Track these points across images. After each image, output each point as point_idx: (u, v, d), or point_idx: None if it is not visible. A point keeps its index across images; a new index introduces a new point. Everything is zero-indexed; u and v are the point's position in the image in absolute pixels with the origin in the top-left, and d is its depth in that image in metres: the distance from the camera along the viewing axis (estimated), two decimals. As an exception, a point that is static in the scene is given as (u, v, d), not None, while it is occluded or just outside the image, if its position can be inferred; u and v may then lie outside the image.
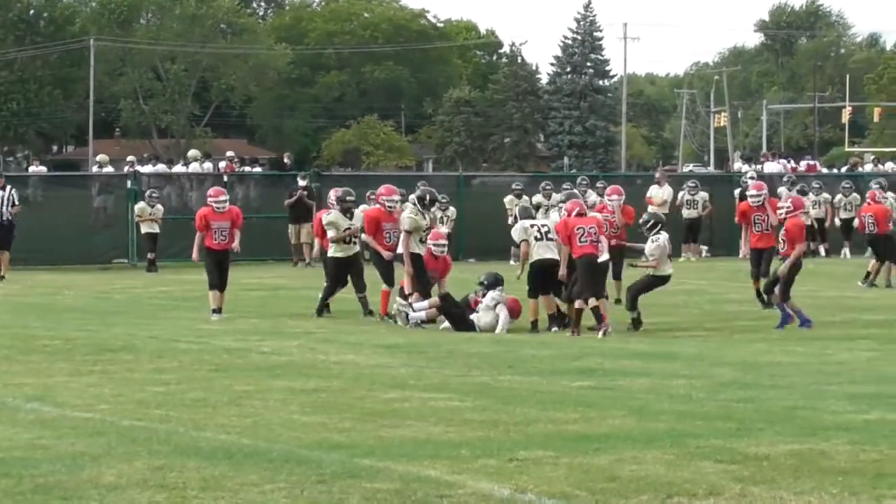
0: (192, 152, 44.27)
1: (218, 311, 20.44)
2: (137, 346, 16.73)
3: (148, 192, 33.53)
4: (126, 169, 39.04)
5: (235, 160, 42.38)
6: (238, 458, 9.57)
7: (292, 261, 34.20)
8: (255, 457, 9.62)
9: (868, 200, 27.82)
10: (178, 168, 41.00)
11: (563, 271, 18.75)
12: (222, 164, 41.02)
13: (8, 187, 30.20)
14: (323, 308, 21.29)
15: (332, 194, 22.05)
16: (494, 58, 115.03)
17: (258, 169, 42.82)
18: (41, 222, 34.74)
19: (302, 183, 35.16)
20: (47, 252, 33.57)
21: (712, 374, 14.04)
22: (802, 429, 10.66)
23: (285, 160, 44.01)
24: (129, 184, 35.38)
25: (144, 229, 32.86)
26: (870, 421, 11.07)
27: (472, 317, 19.34)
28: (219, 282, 20.51)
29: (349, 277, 21.25)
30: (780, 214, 20.14)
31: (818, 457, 9.59)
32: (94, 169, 43.26)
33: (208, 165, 41.52)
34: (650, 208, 34.67)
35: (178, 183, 37.47)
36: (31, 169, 48.99)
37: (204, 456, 9.66)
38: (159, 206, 33.19)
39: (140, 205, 33.10)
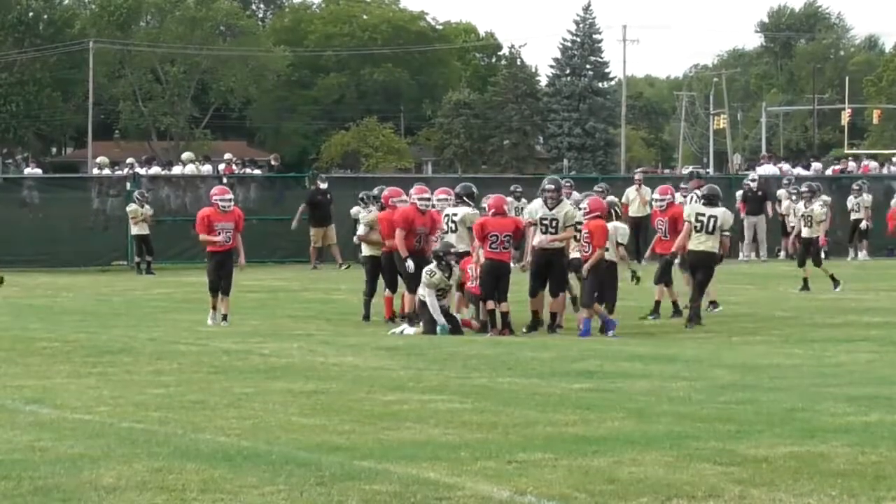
0: (187, 154, 44.19)
1: (216, 314, 20.12)
2: (137, 348, 16.73)
3: (137, 193, 33.54)
4: (126, 171, 39.09)
5: (236, 161, 42.37)
6: (237, 461, 9.57)
7: (311, 264, 34.10)
8: (255, 459, 9.62)
9: None
10: (177, 170, 41.01)
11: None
12: (221, 167, 41.04)
13: None
14: (369, 314, 20.81)
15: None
16: (494, 60, 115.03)
17: (257, 171, 42.81)
18: (41, 224, 34.80)
19: (323, 186, 35.18)
20: (47, 254, 33.62)
21: (712, 376, 14.04)
22: (802, 431, 10.66)
23: (272, 162, 43.91)
24: (128, 186, 35.41)
25: (134, 231, 32.86)
26: (869, 423, 11.07)
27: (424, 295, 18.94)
28: (221, 285, 20.09)
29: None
30: (577, 216, 19.38)
31: (817, 459, 9.59)
32: (94, 171, 43.29)
33: (208, 168, 41.54)
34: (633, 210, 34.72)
35: (178, 185, 37.50)
36: (27, 171, 49.01)
37: (203, 458, 9.66)
38: (148, 206, 33.19)
39: (131, 206, 33.10)
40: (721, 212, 20.32)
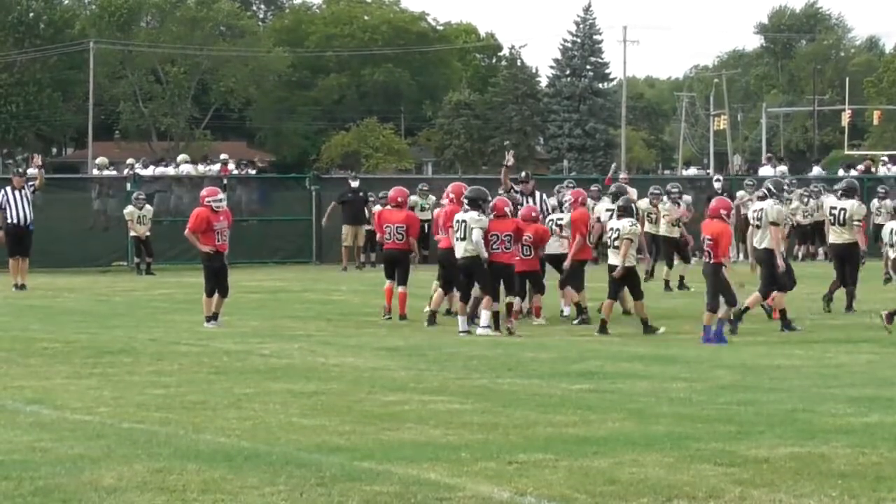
0: (182, 157, 44.19)
1: (212, 318, 19.66)
2: (137, 348, 16.74)
3: (135, 195, 33.51)
4: (126, 171, 39.09)
5: (234, 161, 42.43)
6: (238, 461, 9.57)
7: (343, 265, 33.86)
8: (255, 459, 9.62)
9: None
10: (172, 170, 41.05)
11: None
12: (217, 167, 41.08)
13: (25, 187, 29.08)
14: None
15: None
16: (494, 61, 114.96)
17: (252, 172, 42.85)
18: (41, 225, 34.75)
19: (354, 184, 35.08)
20: (47, 255, 33.55)
21: (712, 377, 14.05)
22: (802, 432, 10.67)
23: (258, 164, 44.02)
24: (128, 186, 35.40)
25: (133, 233, 32.82)
26: (869, 424, 11.08)
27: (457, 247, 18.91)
28: (221, 287, 19.86)
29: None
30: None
31: (818, 460, 9.59)
32: (94, 172, 43.28)
33: (210, 168, 41.56)
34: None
35: (178, 185, 37.49)
36: (30, 171, 49.02)
37: (204, 458, 9.66)
38: (148, 207, 33.14)
39: (128, 208, 33.05)
40: (850, 204, 21.35)
